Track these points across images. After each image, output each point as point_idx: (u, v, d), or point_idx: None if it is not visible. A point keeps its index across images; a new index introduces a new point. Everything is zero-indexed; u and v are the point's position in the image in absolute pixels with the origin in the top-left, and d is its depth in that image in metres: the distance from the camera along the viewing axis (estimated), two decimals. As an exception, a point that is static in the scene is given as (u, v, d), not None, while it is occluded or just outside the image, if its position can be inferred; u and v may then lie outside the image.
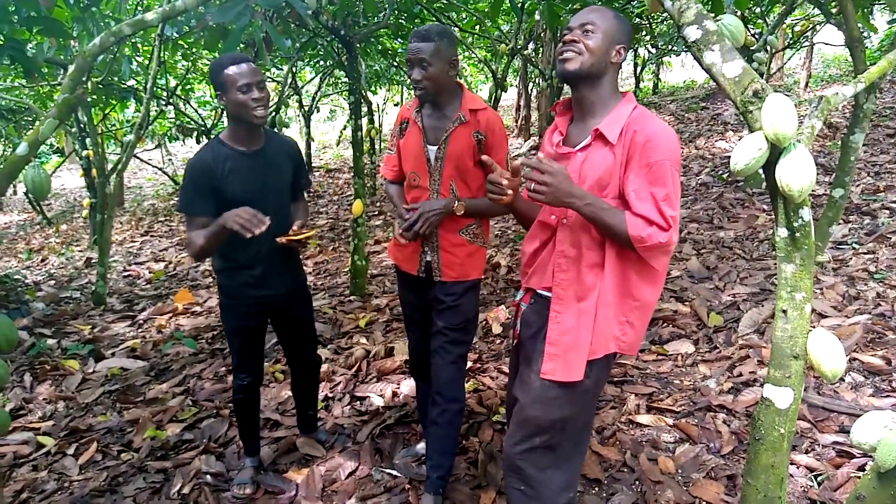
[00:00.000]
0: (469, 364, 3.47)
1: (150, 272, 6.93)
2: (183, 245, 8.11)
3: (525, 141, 11.47)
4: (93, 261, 7.31)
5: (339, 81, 10.94)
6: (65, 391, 3.85)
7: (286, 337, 2.75)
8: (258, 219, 2.13)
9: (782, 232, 1.57)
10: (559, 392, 1.76)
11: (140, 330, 4.93)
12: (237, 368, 2.62)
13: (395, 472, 2.76)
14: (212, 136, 10.23)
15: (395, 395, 3.42)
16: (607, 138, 1.67)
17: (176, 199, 12.31)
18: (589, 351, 1.73)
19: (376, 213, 8.56)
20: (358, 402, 3.41)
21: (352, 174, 4.96)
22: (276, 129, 2.43)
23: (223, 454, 3.02)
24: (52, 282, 6.81)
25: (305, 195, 2.72)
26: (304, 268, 2.78)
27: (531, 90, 12.31)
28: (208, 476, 2.83)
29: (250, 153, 2.35)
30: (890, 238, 4.54)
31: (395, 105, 15.20)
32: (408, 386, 3.44)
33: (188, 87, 9.93)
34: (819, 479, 2.41)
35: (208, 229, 2.24)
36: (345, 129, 13.85)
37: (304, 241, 2.39)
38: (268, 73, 8.79)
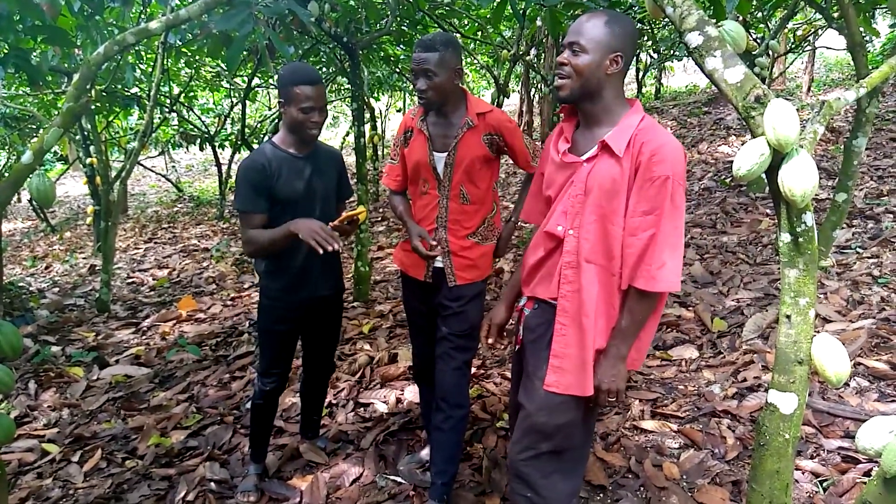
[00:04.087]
0: (473, 370, 3.47)
1: (153, 279, 6.94)
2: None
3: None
4: (97, 268, 7.33)
5: (342, 88, 10.96)
6: (69, 398, 3.85)
7: (312, 340, 2.77)
8: (333, 237, 2.20)
9: (785, 237, 1.57)
10: (564, 398, 1.76)
11: (144, 337, 4.94)
12: (263, 373, 2.62)
13: (399, 479, 2.75)
14: (216, 144, 10.28)
15: (399, 401, 3.42)
16: (614, 150, 1.66)
17: (179, 206, 12.38)
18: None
19: (379, 218, 8.57)
20: (362, 409, 3.40)
21: (355, 180, 4.96)
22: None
23: (227, 461, 3.01)
24: (57, 289, 6.83)
25: (346, 204, 2.77)
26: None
27: (533, 95, 12.33)
28: (213, 483, 2.82)
29: (300, 157, 2.44)
30: (894, 242, 4.54)
31: (398, 111, 15.22)
32: (412, 392, 3.44)
33: (191, 94, 9.97)
34: (825, 484, 2.40)
35: (274, 231, 2.32)
36: (348, 135, 13.87)
37: (354, 219, 2.38)
38: (271, 81, 8.82)
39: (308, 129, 2.35)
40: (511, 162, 2.43)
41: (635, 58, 11.72)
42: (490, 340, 2.09)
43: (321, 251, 2.16)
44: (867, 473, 2.39)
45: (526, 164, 2.40)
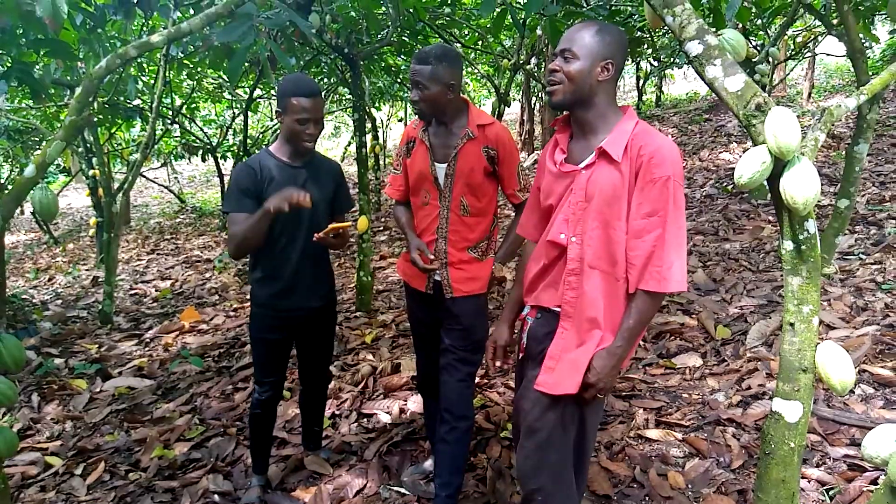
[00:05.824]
0: (476, 380, 3.46)
1: (156, 290, 6.95)
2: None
3: (529, 155, 11.50)
4: (100, 280, 7.33)
5: (344, 98, 11.00)
6: (72, 411, 3.85)
7: (305, 351, 2.77)
8: (299, 194, 2.22)
9: (788, 245, 1.56)
10: (552, 398, 1.77)
11: (147, 349, 4.94)
12: (257, 381, 2.64)
13: (403, 490, 2.74)
14: (218, 155, 10.32)
15: (402, 411, 3.41)
16: (612, 156, 1.68)
17: (181, 217, 12.41)
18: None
19: (381, 228, 8.58)
20: (365, 420, 3.40)
21: (356, 190, 4.97)
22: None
23: (231, 473, 3.00)
24: (60, 301, 6.84)
25: (348, 216, 2.75)
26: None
27: (534, 104, 12.37)
28: (216, 496, 2.81)
29: (294, 166, 2.46)
30: (897, 248, 4.53)
31: (399, 121, 15.26)
32: (415, 402, 3.43)
33: (193, 105, 10.00)
34: (831, 493, 2.39)
35: (251, 217, 2.32)
36: (349, 145, 13.91)
37: (340, 231, 2.38)
38: (273, 92, 8.85)
39: (302, 140, 2.38)
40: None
41: (636, 66, 11.76)
42: (497, 363, 2.10)
43: (286, 208, 2.20)
44: (874, 482, 2.38)
45: (512, 194, 2.36)
